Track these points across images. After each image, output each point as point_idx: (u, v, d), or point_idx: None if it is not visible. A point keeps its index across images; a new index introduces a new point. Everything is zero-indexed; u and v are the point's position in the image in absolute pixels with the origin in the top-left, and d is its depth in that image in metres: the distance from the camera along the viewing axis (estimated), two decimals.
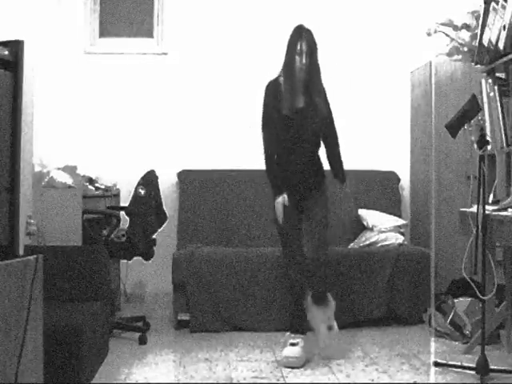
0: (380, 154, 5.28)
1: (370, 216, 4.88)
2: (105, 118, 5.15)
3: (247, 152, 5.12)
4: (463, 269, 3.39)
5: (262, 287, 4.29)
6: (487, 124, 3.65)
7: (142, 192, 3.97)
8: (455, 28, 4.58)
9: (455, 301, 4.04)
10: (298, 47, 3.50)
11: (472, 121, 3.34)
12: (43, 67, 4.71)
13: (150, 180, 4.07)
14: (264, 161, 3.67)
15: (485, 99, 3.69)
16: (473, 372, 3.17)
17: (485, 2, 3.72)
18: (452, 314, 3.99)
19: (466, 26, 4.52)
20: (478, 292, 3.32)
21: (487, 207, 3.23)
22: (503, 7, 3.48)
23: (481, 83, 3.75)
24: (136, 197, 3.98)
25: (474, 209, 3.26)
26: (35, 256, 2.33)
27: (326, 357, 3.61)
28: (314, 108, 3.59)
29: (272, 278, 4.29)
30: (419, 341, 3.99)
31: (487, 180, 3.46)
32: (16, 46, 2.25)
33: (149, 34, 5.29)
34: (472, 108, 3.25)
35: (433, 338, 3.99)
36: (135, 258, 4.19)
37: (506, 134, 3.52)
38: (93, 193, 4.36)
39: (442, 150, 4.68)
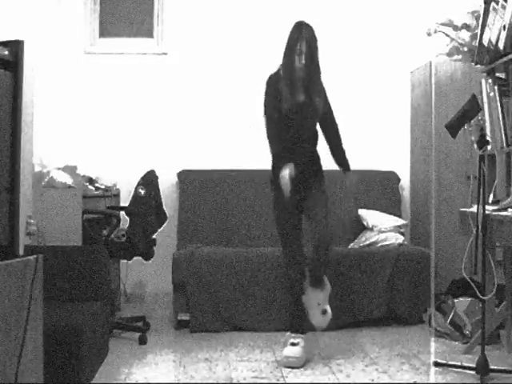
0: (380, 153, 5.28)
1: (370, 216, 4.88)
2: (105, 118, 5.15)
3: (247, 152, 5.12)
4: (463, 269, 3.39)
5: (262, 287, 4.29)
6: (487, 124, 3.65)
7: (142, 192, 3.97)
8: (455, 28, 4.58)
9: (455, 301, 4.04)
10: (298, 47, 3.50)
11: (472, 121, 3.34)
12: (43, 67, 4.71)
13: (149, 180, 4.08)
14: (266, 129, 3.59)
15: (485, 99, 3.69)
16: (473, 372, 3.17)
17: (485, 2, 3.72)
18: (452, 314, 3.99)
19: (466, 26, 4.52)
20: (478, 292, 3.32)
21: (487, 207, 3.23)
22: (503, 7, 3.48)
23: (481, 83, 3.75)
24: (136, 197, 3.98)
25: (474, 209, 3.26)
26: (35, 256, 2.33)
27: (326, 356, 3.62)
28: (314, 108, 3.60)
29: (272, 278, 4.29)
30: (419, 341, 3.98)
31: (487, 180, 3.46)
32: (16, 46, 2.25)
33: (149, 34, 5.29)
34: (472, 108, 3.25)
35: (433, 338, 3.99)
36: (135, 258, 4.19)
37: (506, 134, 3.52)
38: (93, 193, 4.36)
39: (442, 150, 4.68)
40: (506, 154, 3.59)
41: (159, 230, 4.22)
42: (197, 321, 4.24)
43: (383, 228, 4.75)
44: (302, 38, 3.50)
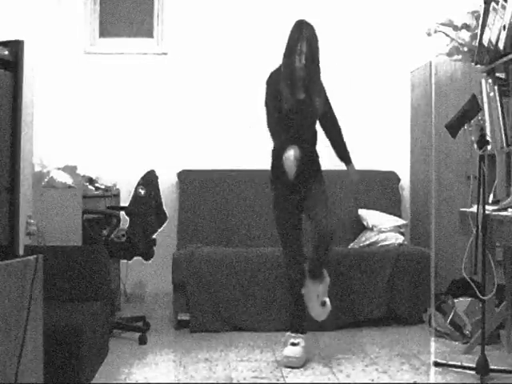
0: (380, 153, 5.28)
1: (370, 216, 4.88)
2: (105, 118, 5.15)
3: (247, 152, 5.13)
4: (463, 269, 3.39)
5: (262, 287, 4.29)
6: (487, 124, 3.65)
7: (142, 192, 3.97)
8: (455, 28, 4.57)
9: (455, 301, 4.04)
10: (298, 47, 3.50)
11: (472, 121, 3.34)
12: (43, 67, 4.71)
13: (150, 180, 4.08)
14: (267, 123, 3.56)
15: (485, 99, 3.68)
16: (473, 372, 3.17)
17: (485, 2, 3.72)
18: (452, 314, 3.99)
19: (466, 26, 4.52)
20: (478, 292, 3.32)
21: (487, 207, 3.23)
22: (503, 7, 3.48)
23: (481, 83, 3.75)
24: (136, 197, 3.98)
25: (474, 209, 3.26)
26: (35, 256, 2.33)
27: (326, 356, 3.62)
28: (314, 108, 3.60)
29: (272, 278, 4.29)
30: (419, 341, 3.98)
31: (487, 180, 3.46)
32: (16, 46, 2.25)
33: (149, 34, 5.30)
34: (472, 108, 3.25)
35: (433, 338, 3.99)
36: (135, 258, 4.19)
37: (506, 134, 3.52)
38: (93, 193, 4.36)
39: (442, 150, 4.68)
40: (506, 154, 3.59)
41: (159, 230, 4.22)
42: (197, 321, 4.24)
43: (383, 228, 4.75)
44: (303, 38, 3.50)
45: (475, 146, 3.30)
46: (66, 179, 4.01)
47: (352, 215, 5.01)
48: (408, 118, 5.36)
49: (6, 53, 2.20)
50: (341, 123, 3.81)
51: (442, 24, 4.63)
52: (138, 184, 4.00)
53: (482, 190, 3.18)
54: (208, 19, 5.22)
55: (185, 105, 5.22)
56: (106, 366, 3.41)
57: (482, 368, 3.11)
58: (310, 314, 3.62)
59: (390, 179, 5.22)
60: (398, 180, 5.25)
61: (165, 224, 4.27)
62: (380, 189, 5.14)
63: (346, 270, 4.34)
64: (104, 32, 5.27)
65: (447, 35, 4.61)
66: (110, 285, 4.07)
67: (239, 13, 5.23)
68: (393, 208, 5.10)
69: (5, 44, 2.22)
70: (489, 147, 3.31)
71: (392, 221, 4.84)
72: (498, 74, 3.69)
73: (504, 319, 3.68)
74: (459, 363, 3.32)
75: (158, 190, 4.19)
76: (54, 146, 4.88)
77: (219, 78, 5.21)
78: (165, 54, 5.25)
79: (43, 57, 4.72)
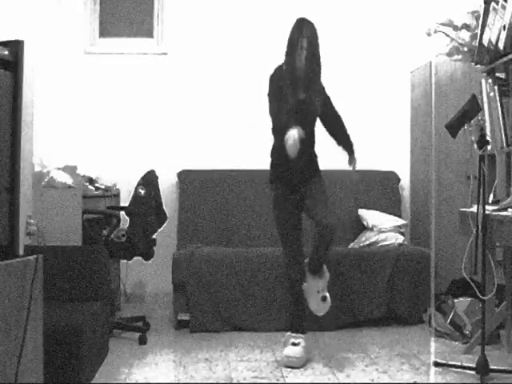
0: (380, 153, 5.28)
1: (370, 216, 4.88)
2: (105, 118, 5.15)
3: (247, 152, 5.12)
4: (463, 269, 3.39)
5: (262, 287, 4.29)
6: (487, 124, 3.65)
7: (142, 192, 3.97)
8: (455, 28, 4.57)
9: (455, 301, 4.04)
10: (299, 46, 3.49)
11: (472, 121, 3.34)
12: (43, 67, 4.71)
13: (150, 180, 4.07)
14: (268, 106, 3.55)
15: (485, 99, 3.69)
16: (473, 372, 3.17)
17: (485, 2, 3.72)
18: (452, 314, 3.99)
19: (466, 26, 4.52)
20: (478, 292, 3.32)
21: (487, 207, 3.23)
22: (503, 7, 3.48)
23: (481, 83, 3.75)
24: (136, 197, 3.98)
25: (474, 209, 3.26)
26: (35, 256, 2.33)
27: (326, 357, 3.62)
28: (314, 107, 3.60)
29: (272, 278, 4.29)
30: (419, 341, 3.98)
31: (487, 180, 3.46)
32: (16, 46, 2.25)
33: (149, 34, 5.30)
34: (472, 108, 3.25)
35: (433, 338, 3.99)
36: (135, 258, 4.19)
37: (506, 134, 3.52)
38: (93, 193, 4.36)
39: (442, 150, 4.68)
40: (506, 154, 3.59)
41: (159, 230, 4.22)
42: (197, 321, 4.24)
43: (383, 228, 4.75)
44: (303, 36, 3.50)
45: (475, 146, 3.30)
46: (66, 179, 4.01)
47: (352, 215, 5.01)
48: (408, 118, 5.36)
49: (6, 53, 2.20)
50: None
51: (442, 24, 4.63)
52: (138, 184, 4.00)
53: (482, 190, 3.18)
54: (208, 19, 5.22)
55: (185, 105, 5.22)
56: (105, 366, 3.41)
57: (482, 368, 3.11)
58: (309, 308, 3.61)
59: (389, 179, 5.22)
60: (398, 180, 5.25)
61: (165, 224, 4.27)
62: (380, 189, 5.14)
63: (346, 269, 4.34)
64: (104, 32, 5.27)
65: (447, 35, 4.61)
66: (110, 285, 4.07)
67: (239, 13, 5.23)
68: (393, 208, 5.10)
69: (5, 44, 2.22)
70: (489, 147, 3.31)
71: (392, 221, 4.84)
72: (498, 74, 3.69)
73: (504, 319, 3.68)
74: (459, 363, 3.32)
75: (158, 190, 4.19)
76: (54, 146, 4.88)
77: (219, 78, 5.21)
78: (165, 54, 5.25)
79: (43, 57, 4.72)
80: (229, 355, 3.71)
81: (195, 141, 5.20)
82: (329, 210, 3.59)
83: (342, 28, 5.22)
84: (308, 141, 3.66)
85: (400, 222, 4.87)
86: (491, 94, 3.63)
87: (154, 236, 4.18)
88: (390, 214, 4.97)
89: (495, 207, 3.27)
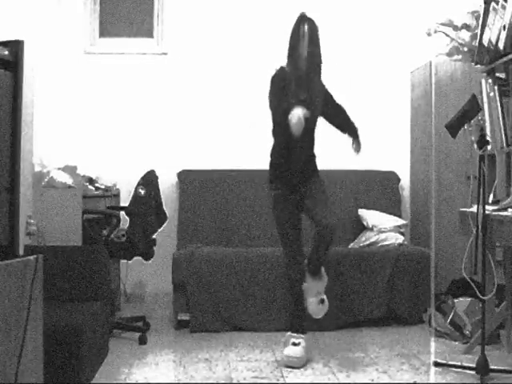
0: (380, 153, 5.28)
1: (370, 216, 4.88)
2: (105, 118, 5.15)
3: (247, 152, 5.12)
4: (463, 269, 3.39)
5: (262, 287, 4.29)
6: (487, 124, 3.65)
7: (142, 192, 3.97)
8: (455, 28, 4.57)
9: (455, 301, 4.04)
10: (300, 44, 3.49)
11: (472, 121, 3.34)
12: (43, 67, 4.71)
13: (150, 180, 4.07)
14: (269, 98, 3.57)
15: (485, 99, 3.68)
16: (473, 372, 3.17)
17: (485, 2, 3.72)
18: (452, 314, 3.99)
19: (466, 26, 4.52)
20: (478, 292, 3.32)
21: (487, 207, 3.23)
22: (503, 7, 3.48)
23: (481, 83, 3.75)
24: (136, 197, 3.98)
25: (474, 209, 3.26)
26: (35, 256, 2.33)
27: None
28: (314, 107, 3.59)
29: (272, 278, 4.29)
30: (419, 341, 3.98)
31: (487, 180, 3.46)
32: (16, 46, 2.25)
33: (149, 34, 5.30)
34: (472, 108, 3.25)
35: (433, 338, 3.99)
36: (135, 258, 4.19)
37: (506, 134, 3.52)
38: (93, 193, 4.36)
39: (442, 150, 4.68)
40: (506, 154, 3.59)
41: (159, 230, 4.22)
42: (197, 321, 4.24)
43: (383, 228, 4.75)
44: (304, 37, 3.50)
45: (475, 146, 3.30)
46: (66, 179, 4.01)
47: (352, 215, 5.01)
48: (408, 118, 5.36)
49: (6, 53, 2.20)
50: None
51: (442, 24, 4.63)
52: (138, 184, 4.00)
53: (482, 190, 3.18)
54: (208, 19, 5.22)
55: (185, 105, 5.22)
56: (105, 366, 3.41)
57: (482, 368, 3.11)
58: (307, 310, 3.61)
59: (389, 179, 5.21)
60: (398, 180, 5.25)
61: (165, 224, 4.27)
62: (380, 189, 5.14)
63: (346, 270, 4.34)
64: (104, 32, 5.27)
65: (447, 35, 4.61)
66: (110, 285, 4.07)
67: (239, 13, 5.22)
68: (393, 208, 5.10)
69: (5, 44, 2.22)
70: (489, 147, 3.31)
71: (392, 221, 4.84)
72: (498, 74, 3.69)
73: (504, 319, 3.68)
74: (459, 363, 3.32)
75: (158, 190, 4.19)
76: (54, 145, 4.88)
77: (219, 78, 5.21)
78: (165, 54, 5.25)
79: (43, 57, 4.72)
80: (229, 355, 3.71)
81: (195, 141, 5.20)
82: (329, 210, 3.59)
83: (342, 28, 5.22)
84: (308, 141, 3.67)
85: (400, 221, 4.87)
86: (491, 93, 3.63)
87: (154, 236, 4.18)
88: (390, 214, 4.97)
89: (495, 207, 3.27)
